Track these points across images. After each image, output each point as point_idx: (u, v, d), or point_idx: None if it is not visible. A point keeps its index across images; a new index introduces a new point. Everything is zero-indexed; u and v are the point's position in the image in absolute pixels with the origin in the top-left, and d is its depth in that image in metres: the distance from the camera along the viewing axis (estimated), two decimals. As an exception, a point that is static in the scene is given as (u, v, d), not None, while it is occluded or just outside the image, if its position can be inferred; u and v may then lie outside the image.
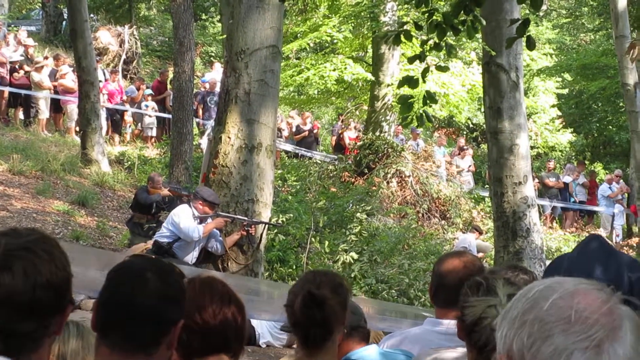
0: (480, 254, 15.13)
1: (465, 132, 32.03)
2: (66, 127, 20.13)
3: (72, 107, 19.30)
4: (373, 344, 4.02)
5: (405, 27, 6.68)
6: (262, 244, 10.25)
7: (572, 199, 23.95)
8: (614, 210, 22.67)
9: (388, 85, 20.57)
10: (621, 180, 23.34)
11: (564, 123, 31.57)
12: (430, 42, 6.64)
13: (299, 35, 21.67)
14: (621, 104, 24.94)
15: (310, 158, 22.14)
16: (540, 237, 12.20)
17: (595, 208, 23.76)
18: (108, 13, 32.04)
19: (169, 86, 21.53)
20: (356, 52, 23.22)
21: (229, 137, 9.78)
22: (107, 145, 18.82)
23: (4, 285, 1.90)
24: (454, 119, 28.20)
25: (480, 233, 16.62)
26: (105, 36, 26.64)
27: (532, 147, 23.88)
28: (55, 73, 19.92)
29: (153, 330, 2.29)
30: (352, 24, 20.89)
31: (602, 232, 21.40)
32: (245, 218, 9.76)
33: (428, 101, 6.82)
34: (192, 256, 10.01)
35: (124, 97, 21.57)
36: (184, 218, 9.87)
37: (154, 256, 8.68)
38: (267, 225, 10.25)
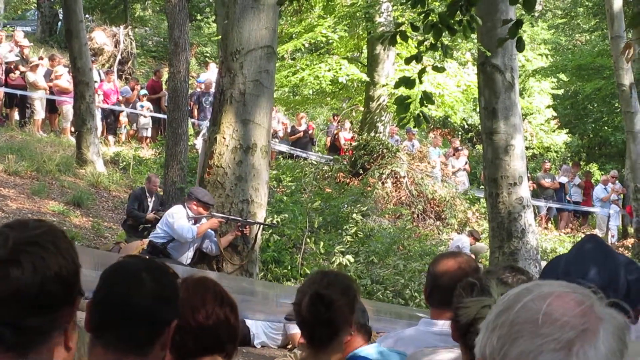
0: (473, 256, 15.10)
1: (460, 133, 32.05)
2: (61, 128, 20.09)
3: (68, 108, 19.26)
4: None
5: (401, 28, 6.67)
6: (257, 245, 10.24)
7: (566, 200, 23.97)
8: (609, 211, 22.69)
9: (383, 85, 20.58)
10: (617, 181, 23.34)
11: (559, 124, 31.59)
12: (427, 42, 6.64)
13: (294, 35, 21.66)
14: (617, 105, 24.94)
15: (305, 159, 22.14)
16: (536, 238, 12.20)
17: (590, 209, 23.79)
18: (103, 13, 32.03)
19: (164, 86, 21.52)
20: (351, 53, 23.23)
21: (223, 138, 9.76)
22: (102, 146, 18.81)
23: (14, 280, 1.89)
24: (449, 119, 28.23)
25: (477, 240, 16.50)
26: (100, 36, 26.61)
27: (527, 148, 23.90)
28: (51, 73, 19.89)
29: (147, 330, 2.29)
30: (347, 25, 20.89)
31: (597, 233, 21.42)
32: (240, 219, 9.74)
33: (425, 102, 6.81)
34: (186, 256, 10.00)
35: (120, 98, 21.56)
36: (178, 219, 9.86)
37: (147, 256, 8.68)
38: (262, 226, 10.23)
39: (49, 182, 15.39)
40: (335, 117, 25.76)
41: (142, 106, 21.49)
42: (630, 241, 20.82)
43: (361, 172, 19.54)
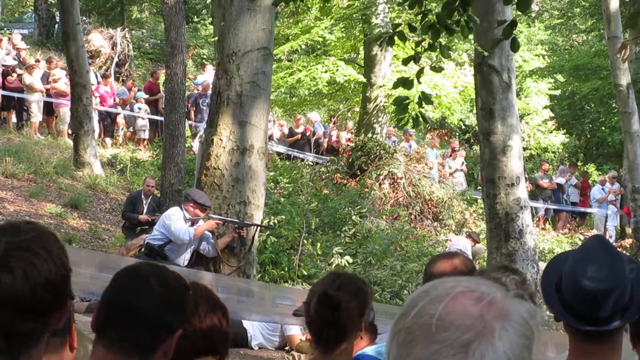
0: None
1: (457, 134, 32.06)
2: (59, 130, 20.07)
3: (65, 110, 19.25)
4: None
5: (399, 29, 6.67)
6: (254, 246, 10.23)
7: (564, 200, 23.98)
8: (607, 212, 22.70)
9: (380, 87, 20.58)
10: (616, 182, 23.34)
11: (556, 124, 31.59)
12: (424, 42, 6.64)
13: (290, 37, 21.67)
14: (614, 105, 24.92)
15: (302, 160, 22.14)
16: (533, 239, 12.20)
17: (588, 209, 23.79)
18: (100, 16, 31.98)
19: (161, 87, 21.51)
20: (348, 54, 23.24)
21: (220, 139, 9.75)
22: (100, 148, 18.80)
23: (4, 287, 1.89)
24: (446, 120, 28.23)
25: (476, 242, 16.45)
26: (97, 39, 26.62)
27: (524, 149, 23.91)
28: (48, 76, 19.88)
29: (151, 334, 2.31)
30: (344, 26, 20.90)
31: (595, 233, 21.43)
32: (237, 220, 9.72)
33: (424, 102, 6.80)
34: (183, 258, 9.98)
35: (117, 100, 21.55)
36: (174, 220, 9.83)
37: (145, 258, 8.68)
38: (259, 227, 10.21)
39: (46, 185, 15.38)
40: (332, 119, 25.79)
41: (139, 108, 21.48)
42: (628, 241, 20.82)
43: (358, 173, 19.53)
